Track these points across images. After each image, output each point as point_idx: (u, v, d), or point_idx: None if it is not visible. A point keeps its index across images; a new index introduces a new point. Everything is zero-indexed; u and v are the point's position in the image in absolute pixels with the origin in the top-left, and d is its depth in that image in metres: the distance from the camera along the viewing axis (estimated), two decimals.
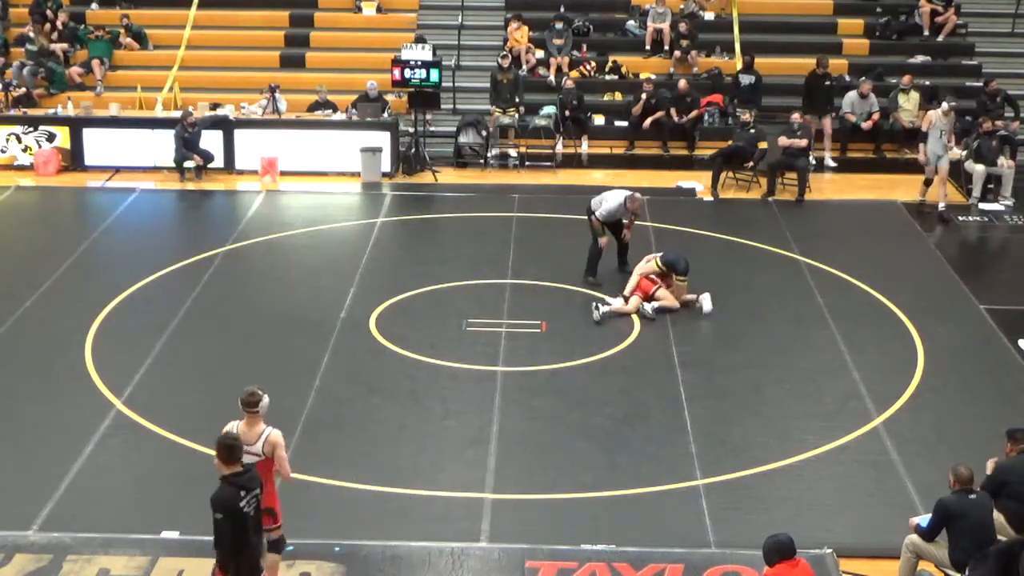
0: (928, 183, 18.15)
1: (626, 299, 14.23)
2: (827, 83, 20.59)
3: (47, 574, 9.03)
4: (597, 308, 14.03)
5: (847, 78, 21.78)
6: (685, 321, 14.08)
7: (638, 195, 15.25)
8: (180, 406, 11.78)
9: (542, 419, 11.76)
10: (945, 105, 18.41)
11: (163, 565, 9.09)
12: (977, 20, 23.70)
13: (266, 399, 8.53)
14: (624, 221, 15.24)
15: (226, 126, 19.88)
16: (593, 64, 22.44)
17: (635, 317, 14.10)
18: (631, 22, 23.44)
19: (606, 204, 15.00)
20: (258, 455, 8.44)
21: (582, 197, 18.60)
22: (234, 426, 8.50)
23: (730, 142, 19.80)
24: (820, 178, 19.74)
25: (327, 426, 11.52)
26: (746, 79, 21.06)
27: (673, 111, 20.86)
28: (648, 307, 14.08)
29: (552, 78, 21.96)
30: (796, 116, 19.32)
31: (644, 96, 20.81)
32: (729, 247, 16.61)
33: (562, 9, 23.10)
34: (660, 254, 14.65)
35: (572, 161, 20.58)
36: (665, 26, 22.68)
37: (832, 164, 20.40)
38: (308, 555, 9.24)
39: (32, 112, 20.63)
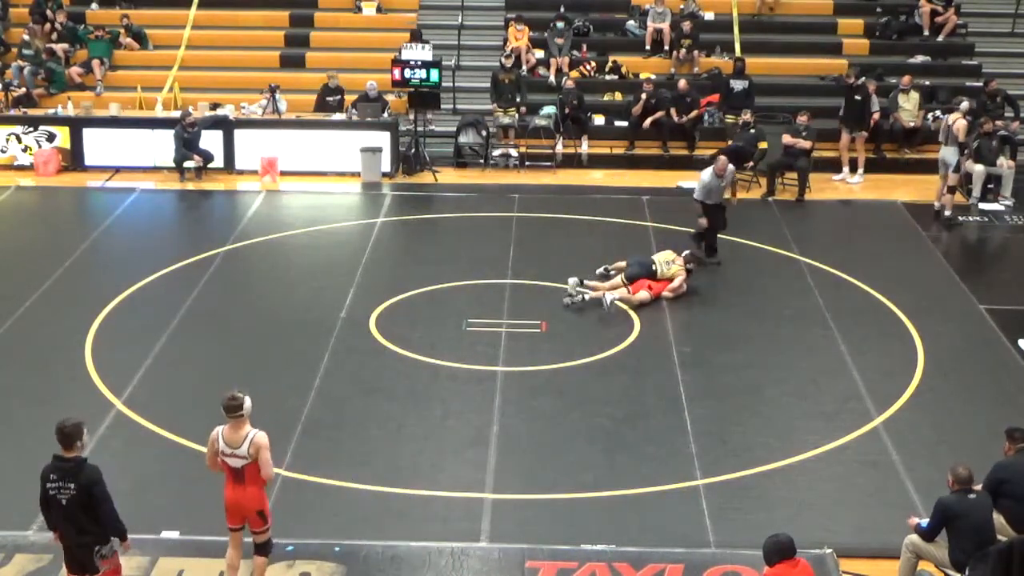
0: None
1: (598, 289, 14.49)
2: (856, 97, 19.94)
3: (47, 574, 9.04)
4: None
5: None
6: (685, 321, 14.09)
7: (721, 158, 15.68)
8: (180, 406, 11.77)
9: (542, 419, 11.76)
10: (966, 105, 18.52)
11: (163, 565, 9.09)
12: (977, 20, 23.70)
13: (248, 401, 8.42)
14: (726, 195, 15.81)
15: (226, 126, 19.88)
16: (593, 64, 22.44)
17: (635, 317, 14.10)
18: (631, 22, 23.44)
19: (700, 183, 15.63)
20: (244, 458, 8.37)
21: (582, 197, 18.72)
22: (218, 432, 8.46)
23: (730, 142, 19.80)
24: (821, 178, 19.70)
25: (327, 426, 11.52)
26: (738, 84, 21.01)
27: (673, 111, 20.84)
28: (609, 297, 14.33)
29: (552, 78, 21.97)
30: (803, 117, 19.32)
31: (644, 96, 20.80)
32: (729, 247, 16.60)
33: (562, 9, 23.10)
34: (626, 271, 14.73)
35: (572, 161, 20.57)
36: (665, 26, 22.68)
37: (859, 179, 20.19)
38: (308, 555, 9.24)
39: (32, 112, 20.64)
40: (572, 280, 14.46)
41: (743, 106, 20.46)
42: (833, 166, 20.20)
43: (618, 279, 14.64)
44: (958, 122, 18.28)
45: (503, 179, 19.87)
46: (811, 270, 15.67)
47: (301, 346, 13.25)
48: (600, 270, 14.97)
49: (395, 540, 9.51)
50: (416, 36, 21.77)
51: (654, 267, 14.67)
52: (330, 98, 20.68)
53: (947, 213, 17.82)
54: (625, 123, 21.17)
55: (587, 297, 14.33)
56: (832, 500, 10.39)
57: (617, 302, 14.29)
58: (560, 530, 9.79)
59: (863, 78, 20.25)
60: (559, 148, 20.72)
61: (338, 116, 20.26)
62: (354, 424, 11.57)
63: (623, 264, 14.87)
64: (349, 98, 20.54)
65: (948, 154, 18.25)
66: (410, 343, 13.31)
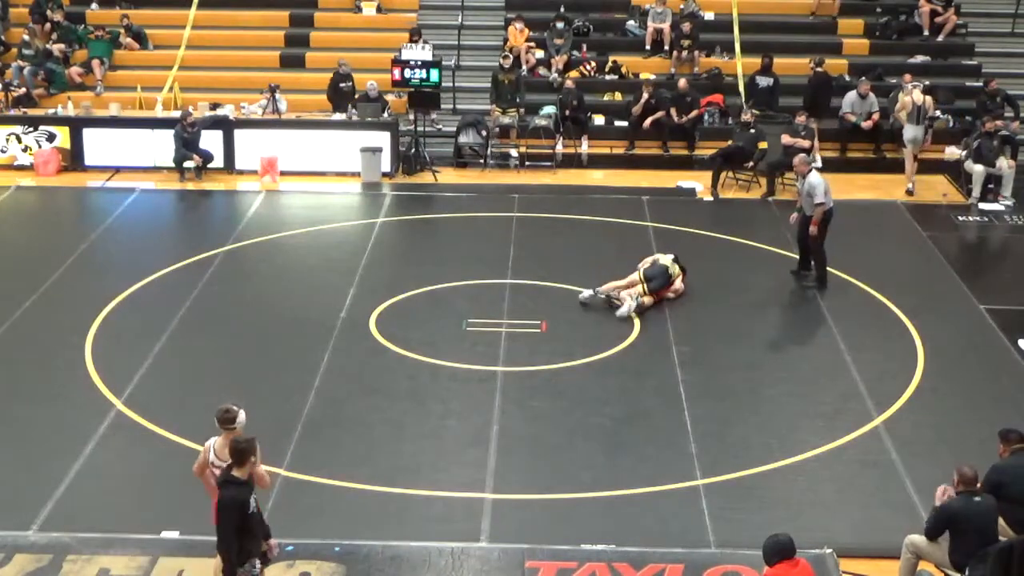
0: None
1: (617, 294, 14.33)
2: (818, 87, 20.72)
3: (47, 574, 9.03)
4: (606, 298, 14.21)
5: (847, 78, 21.79)
6: (685, 321, 14.08)
7: (798, 155, 15.55)
8: (180, 406, 11.77)
9: (542, 419, 11.76)
10: (920, 84, 19.67)
11: (163, 565, 9.09)
12: (977, 20, 23.71)
13: (242, 415, 8.40)
14: (815, 205, 14.86)
15: (226, 126, 19.88)
16: (593, 64, 22.44)
17: (635, 317, 14.09)
18: (631, 22, 23.44)
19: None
20: None
21: (582, 197, 18.72)
22: (211, 443, 8.45)
23: (730, 142, 19.81)
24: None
25: (327, 426, 11.51)
26: (764, 81, 21.00)
27: (673, 111, 20.84)
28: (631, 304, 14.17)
29: (552, 78, 21.96)
30: (802, 117, 19.35)
31: (644, 96, 20.80)
32: (729, 247, 16.60)
33: (562, 9, 23.10)
34: (649, 284, 14.47)
35: (572, 161, 20.57)
36: (665, 26, 22.68)
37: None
38: (308, 555, 9.24)
39: (32, 112, 20.64)
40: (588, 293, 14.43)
41: (768, 103, 20.50)
42: (832, 166, 20.22)
43: (639, 288, 14.40)
44: (927, 98, 19.10)
45: (503, 179, 19.87)
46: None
47: (301, 346, 13.24)
48: (588, 292, 14.44)
49: (395, 540, 9.51)
50: (416, 33, 21.76)
51: (669, 271, 14.64)
52: (343, 84, 20.70)
53: (910, 185, 19.08)
54: (625, 123, 21.15)
55: (603, 295, 14.25)
56: (832, 500, 10.39)
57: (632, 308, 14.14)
58: (560, 530, 9.78)
59: (819, 68, 20.97)
60: (559, 148, 20.72)
61: (338, 116, 20.27)
62: (354, 424, 11.57)
63: (613, 284, 14.56)
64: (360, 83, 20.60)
65: (919, 132, 19.16)
66: (410, 343, 13.31)
